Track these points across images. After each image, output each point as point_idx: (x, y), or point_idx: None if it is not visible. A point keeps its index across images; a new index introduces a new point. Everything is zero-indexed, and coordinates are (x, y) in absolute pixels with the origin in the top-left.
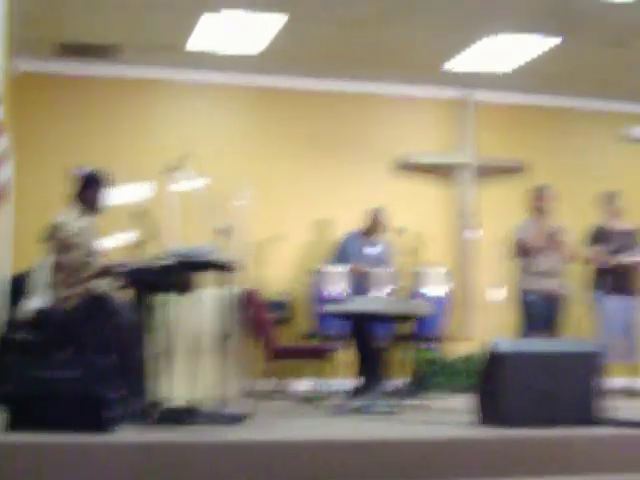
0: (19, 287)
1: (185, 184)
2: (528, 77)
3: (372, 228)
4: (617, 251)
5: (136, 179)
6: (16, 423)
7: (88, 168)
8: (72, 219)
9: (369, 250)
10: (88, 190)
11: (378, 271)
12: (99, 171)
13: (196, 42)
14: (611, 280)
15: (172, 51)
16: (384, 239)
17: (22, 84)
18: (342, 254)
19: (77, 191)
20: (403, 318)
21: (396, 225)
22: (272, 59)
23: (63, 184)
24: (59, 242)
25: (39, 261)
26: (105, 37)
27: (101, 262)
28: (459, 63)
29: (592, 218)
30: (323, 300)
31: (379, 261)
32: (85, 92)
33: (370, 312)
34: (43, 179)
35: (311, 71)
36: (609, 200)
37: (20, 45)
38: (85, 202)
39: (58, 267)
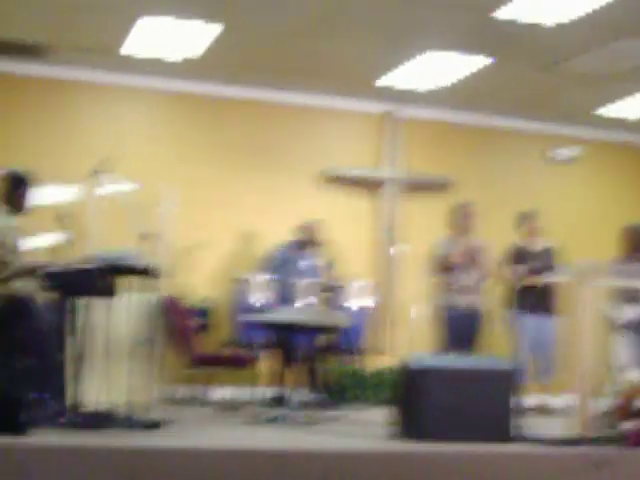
0: None
1: (110, 188)
2: (456, 95)
3: (307, 241)
4: (536, 271)
5: (62, 181)
6: None
7: (13, 168)
8: None
9: (302, 262)
10: (12, 190)
11: (302, 282)
12: (24, 171)
13: (131, 46)
14: (529, 299)
15: (104, 54)
16: (317, 252)
17: None
18: (272, 264)
19: (1, 191)
20: (323, 329)
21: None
22: (205, 67)
23: None
24: None
25: None
26: (35, 36)
27: (23, 262)
28: (390, 79)
29: (514, 236)
30: (246, 309)
31: (311, 273)
32: (13, 91)
33: (289, 322)
34: None
35: (239, 79)
36: (526, 219)
37: None
38: (9, 202)
39: None
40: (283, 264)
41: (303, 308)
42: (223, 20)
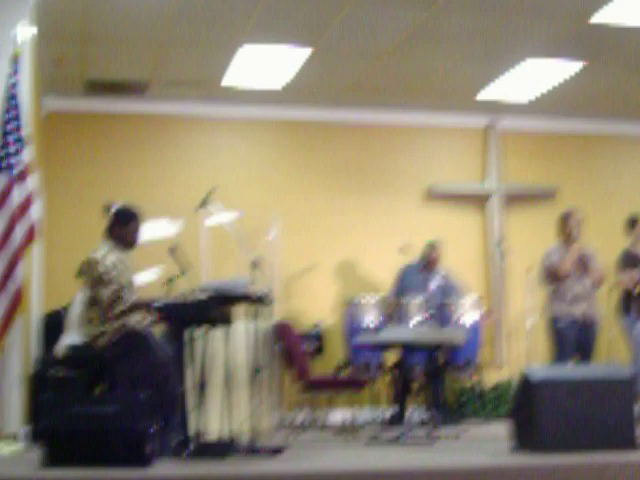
0: (52, 324)
1: (215, 218)
2: (555, 103)
3: (428, 261)
4: None
5: (166, 214)
6: (53, 459)
7: (119, 204)
8: (105, 255)
9: (432, 282)
10: (119, 226)
11: (416, 300)
12: (129, 207)
13: (230, 77)
14: None
15: (201, 86)
16: (439, 270)
17: (50, 123)
18: (401, 285)
19: (109, 227)
20: (440, 346)
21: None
22: (297, 91)
23: (93, 221)
24: (92, 278)
25: (74, 297)
26: (131, 73)
27: (134, 297)
28: (490, 91)
29: (621, 242)
30: (357, 330)
31: (439, 292)
32: (113, 129)
33: (405, 341)
34: (73, 217)
35: (337, 102)
36: (635, 224)
37: (47, 84)
38: (117, 238)
39: (92, 303)
40: (412, 284)
41: (418, 327)
42: (313, 44)
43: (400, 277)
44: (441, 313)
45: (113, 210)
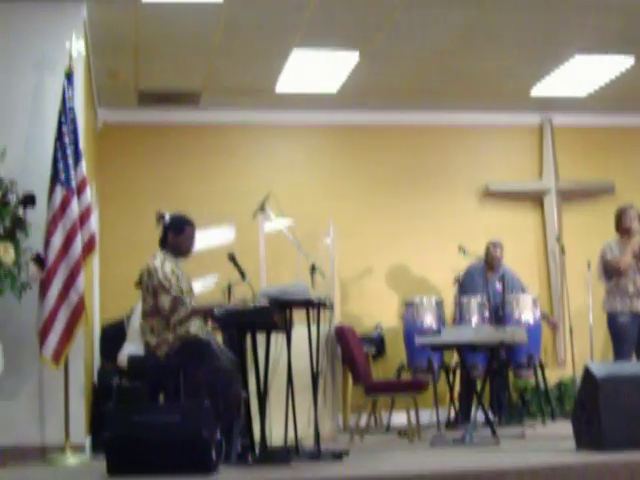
0: (112, 334)
1: (272, 224)
2: (607, 98)
3: (491, 261)
4: None
5: (222, 222)
6: (118, 468)
7: (173, 213)
8: (162, 262)
9: (496, 282)
10: (173, 234)
11: (476, 300)
12: (182, 215)
13: (283, 83)
14: None
15: (254, 94)
16: (502, 270)
17: (103, 135)
18: (465, 286)
19: (163, 236)
20: (502, 346)
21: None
22: (350, 95)
23: (147, 232)
24: (152, 286)
25: (135, 307)
26: (184, 83)
27: (193, 305)
28: (543, 87)
29: None
30: (417, 332)
31: (501, 292)
32: (167, 139)
33: (466, 342)
34: (126, 228)
35: (390, 105)
36: None
37: (101, 97)
38: (171, 246)
39: (152, 311)
40: (476, 284)
41: (480, 326)
42: (363, 47)
43: (464, 277)
44: (503, 311)
45: (166, 219)
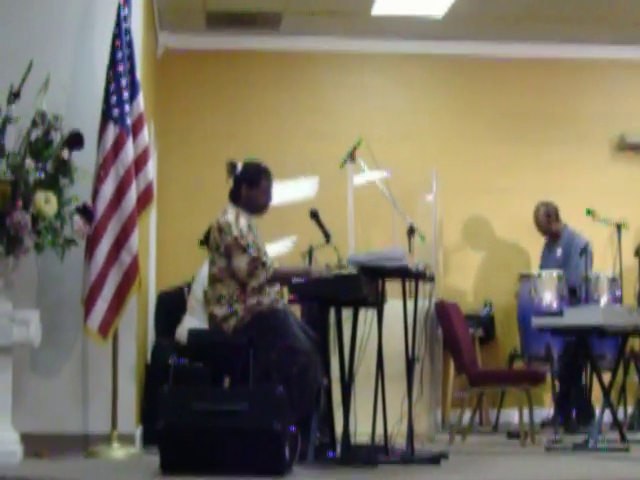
0: (168, 306)
1: (363, 176)
2: None
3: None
4: None
5: (304, 172)
6: (174, 464)
7: (246, 160)
8: (235, 218)
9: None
10: (247, 187)
11: (602, 277)
12: (258, 164)
13: (380, 5)
14: None
15: (346, 17)
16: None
17: (166, 63)
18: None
19: (235, 188)
20: (631, 332)
21: (615, 218)
22: (460, 21)
23: (213, 181)
24: (226, 244)
25: (198, 271)
26: (261, 3)
27: (277, 269)
28: None
29: None
30: (537, 312)
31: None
32: (240, 70)
33: (594, 326)
34: (189, 176)
35: (508, 34)
36: None
37: (163, 18)
38: (245, 201)
39: (222, 276)
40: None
41: (610, 307)
42: None
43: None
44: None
45: (239, 168)
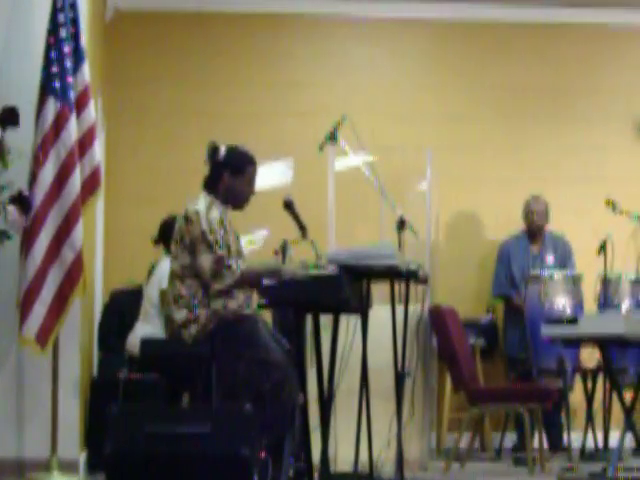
0: (117, 310)
1: (346, 160)
2: None
3: (528, 226)
4: None
5: (278, 154)
6: None
7: (231, 146)
8: (207, 209)
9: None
10: (231, 176)
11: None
12: (246, 151)
13: None
14: None
15: None
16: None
17: (115, 27)
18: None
19: (214, 175)
20: None
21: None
22: None
23: (174, 163)
24: (191, 238)
25: (156, 270)
26: None
27: (246, 268)
28: None
29: None
30: (543, 319)
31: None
32: (202, 35)
33: (616, 335)
34: (143, 158)
35: None
36: None
37: None
38: (226, 191)
39: (183, 274)
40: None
41: (633, 315)
42: None
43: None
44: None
45: (221, 153)
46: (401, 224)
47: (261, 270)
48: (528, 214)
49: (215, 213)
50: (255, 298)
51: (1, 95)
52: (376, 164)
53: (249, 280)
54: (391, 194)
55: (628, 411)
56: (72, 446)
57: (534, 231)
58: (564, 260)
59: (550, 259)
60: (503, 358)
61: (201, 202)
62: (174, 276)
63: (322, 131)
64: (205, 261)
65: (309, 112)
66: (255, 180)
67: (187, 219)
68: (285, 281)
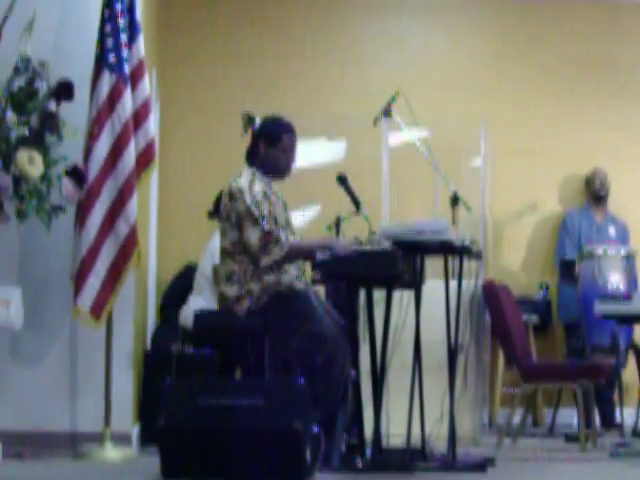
0: (172, 285)
1: (397, 135)
2: None
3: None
4: None
5: (330, 130)
6: (174, 469)
7: (266, 116)
8: (249, 183)
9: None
10: (266, 146)
11: None
12: (280, 119)
13: None
14: None
15: None
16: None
17: (168, 0)
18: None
19: (252, 147)
20: None
21: None
22: None
23: (230, 140)
24: (237, 213)
25: (207, 245)
26: None
27: (291, 243)
28: None
29: None
30: (597, 297)
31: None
32: (256, 9)
33: None
34: (196, 132)
35: None
36: None
37: None
38: (263, 162)
39: (231, 251)
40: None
41: None
42: None
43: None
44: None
45: (257, 124)
46: (455, 199)
47: (312, 244)
48: (591, 183)
49: (258, 186)
50: (309, 272)
51: (57, 69)
52: (430, 139)
53: (299, 254)
54: (445, 169)
55: None
56: (125, 419)
57: (597, 201)
58: (624, 235)
59: (612, 230)
60: (556, 335)
61: (244, 176)
62: (225, 253)
63: (376, 106)
64: (252, 236)
65: (363, 88)
66: (294, 148)
67: (231, 196)
68: (339, 255)
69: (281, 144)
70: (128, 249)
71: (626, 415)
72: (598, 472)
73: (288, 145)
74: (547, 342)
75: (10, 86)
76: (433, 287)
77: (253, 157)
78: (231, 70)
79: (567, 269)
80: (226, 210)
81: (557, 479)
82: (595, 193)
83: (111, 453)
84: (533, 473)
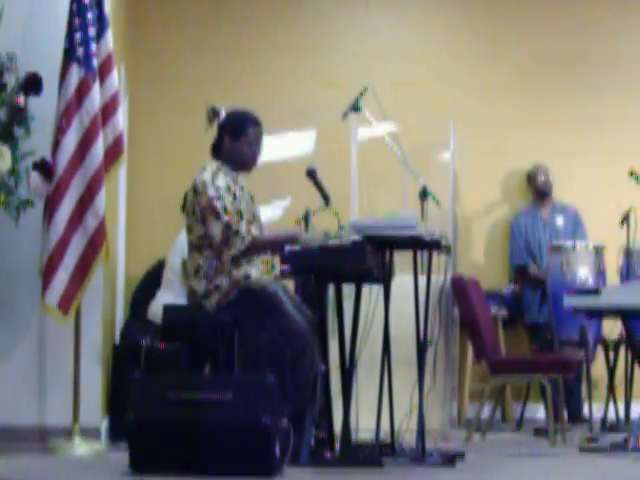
0: (145, 279)
1: (366, 129)
2: None
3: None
4: None
5: (300, 123)
6: (142, 463)
7: (231, 109)
8: (212, 177)
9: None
10: (231, 138)
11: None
12: (245, 112)
13: None
14: None
15: None
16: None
17: None
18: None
19: (217, 140)
20: None
21: None
22: None
23: (198, 133)
24: (201, 207)
25: (176, 239)
26: None
27: (254, 236)
28: None
29: None
30: (565, 290)
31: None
32: (224, 2)
33: (635, 307)
34: (164, 127)
35: None
36: None
37: None
38: (228, 155)
39: (200, 244)
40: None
41: None
42: None
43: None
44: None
45: (222, 116)
46: (424, 194)
47: (277, 236)
48: (534, 179)
49: (221, 180)
50: (278, 266)
51: (25, 62)
52: (399, 134)
53: (264, 246)
54: (414, 164)
55: None
56: (94, 413)
57: (541, 197)
58: (575, 222)
59: (560, 221)
60: (525, 329)
61: (208, 169)
62: (192, 247)
63: (345, 99)
64: (215, 230)
65: (332, 80)
66: (260, 141)
67: (195, 190)
68: (307, 249)
69: (246, 137)
70: (97, 243)
71: (594, 410)
72: (568, 466)
73: (253, 138)
74: (516, 336)
75: None
76: (402, 281)
77: (218, 150)
78: (200, 64)
79: (521, 274)
80: (191, 204)
81: (527, 473)
82: (539, 189)
83: (80, 447)
84: (502, 468)
